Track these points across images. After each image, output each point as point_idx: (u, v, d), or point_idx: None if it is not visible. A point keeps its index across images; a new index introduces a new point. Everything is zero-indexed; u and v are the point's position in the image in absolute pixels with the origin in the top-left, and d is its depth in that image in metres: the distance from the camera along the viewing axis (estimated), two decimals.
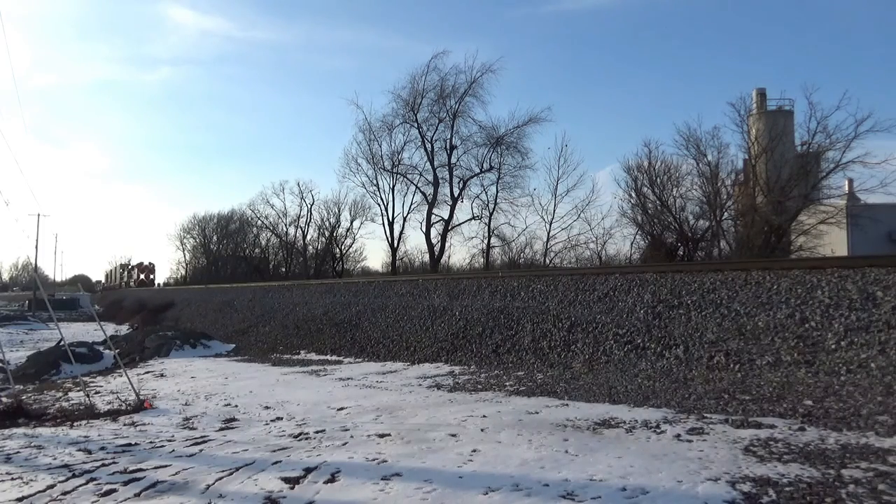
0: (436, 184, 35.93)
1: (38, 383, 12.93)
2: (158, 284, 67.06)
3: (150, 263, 72.10)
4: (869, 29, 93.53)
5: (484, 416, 6.64)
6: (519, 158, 34.89)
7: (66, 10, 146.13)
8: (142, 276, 68.99)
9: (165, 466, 5.27)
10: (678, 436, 5.47)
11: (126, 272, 75.85)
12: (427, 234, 36.11)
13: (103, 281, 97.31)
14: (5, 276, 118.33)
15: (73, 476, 5.09)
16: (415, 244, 60.69)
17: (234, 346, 18.57)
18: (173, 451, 5.88)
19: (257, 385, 10.34)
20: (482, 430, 6.04)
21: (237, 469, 5.07)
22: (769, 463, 4.54)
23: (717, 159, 26.85)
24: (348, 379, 10.46)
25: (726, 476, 4.28)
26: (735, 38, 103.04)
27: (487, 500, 4.08)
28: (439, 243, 36.01)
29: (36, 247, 56.70)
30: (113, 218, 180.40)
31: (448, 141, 35.53)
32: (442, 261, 36.25)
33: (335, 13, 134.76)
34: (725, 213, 27.57)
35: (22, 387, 11.69)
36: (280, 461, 5.26)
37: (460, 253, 58.47)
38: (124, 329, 29.68)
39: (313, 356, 14.70)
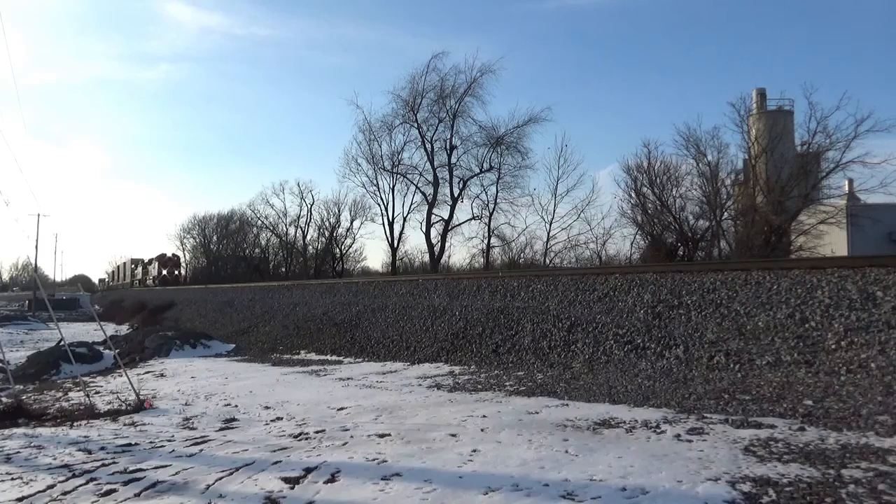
0: (436, 184, 35.94)
1: (38, 383, 12.93)
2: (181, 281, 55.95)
3: (173, 255, 58.90)
4: (869, 29, 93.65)
5: (484, 416, 6.64)
6: (519, 158, 34.86)
7: (64, 7, 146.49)
8: (164, 272, 55.94)
9: (165, 466, 5.27)
10: (678, 436, 5.47)
11: (141, 268, 64.23)
12: (427, 234, 36.13)
13: (107, 279, 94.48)
14: (5, 276, 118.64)
15: (73, 476, 5.09)
16: (415, 244, 60.89)
17: (234, 346, 18.57)
18: (173, 451, 5.88)
19: (257, 385, 10.33)
20: (482, 430, 6.04)
21: (237, 469, 5.07)
22: (769, 463, 4.55)
23: (717, 159, 26.84)
24: (348, 379, 10.46)
25: (726, 476, 4.28)
26: (735, 37, 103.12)
27: (487, 500, 4.08)
28: (439, 243, 36.01)
29: (36, 247, 56.52)
30: (113, 217, 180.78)
31: (448, 141, 35.52)
32: (442, 261, 36.23)
33: (336, 9, 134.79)
34: (725, 213, 27.57)
35: (22, 387, 11.70)
36: (280, 461, 5.26)
37: (460, 253, 58.77)
38: (124, 329, 29.69)
39: (313, 356, 14.70)
